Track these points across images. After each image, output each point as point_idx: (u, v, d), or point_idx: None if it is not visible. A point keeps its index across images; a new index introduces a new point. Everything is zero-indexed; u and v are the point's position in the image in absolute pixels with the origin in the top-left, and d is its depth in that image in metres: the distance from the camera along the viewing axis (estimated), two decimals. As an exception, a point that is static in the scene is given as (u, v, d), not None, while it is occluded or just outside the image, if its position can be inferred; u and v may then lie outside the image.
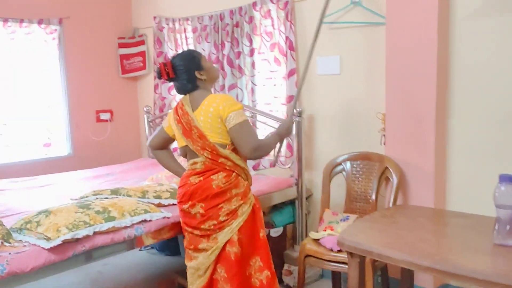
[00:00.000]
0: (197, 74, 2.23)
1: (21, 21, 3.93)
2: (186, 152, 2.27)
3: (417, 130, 2.56)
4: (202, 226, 2.17)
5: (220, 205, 2.14)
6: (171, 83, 2.77)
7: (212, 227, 2.16)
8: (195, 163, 2.21)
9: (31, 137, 4.16)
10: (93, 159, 4.41)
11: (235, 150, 2.19)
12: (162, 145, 2.45)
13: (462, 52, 2.45)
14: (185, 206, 2.21)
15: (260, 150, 2.15)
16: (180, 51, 4.13)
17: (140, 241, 2.34)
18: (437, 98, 2.46)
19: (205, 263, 2.18)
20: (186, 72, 2.22)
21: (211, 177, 2.16)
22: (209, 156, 2.16)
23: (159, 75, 2.26)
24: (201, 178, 2.18)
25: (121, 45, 4.59)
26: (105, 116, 4.53)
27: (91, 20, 4.43)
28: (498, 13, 2.30)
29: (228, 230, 2.15)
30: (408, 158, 2.61)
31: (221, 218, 2.14)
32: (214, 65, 2.43)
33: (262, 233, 2.25)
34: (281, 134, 2.38)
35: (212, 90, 2.37)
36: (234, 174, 2.19)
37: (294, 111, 2.46)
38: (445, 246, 1.87)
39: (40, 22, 4.04)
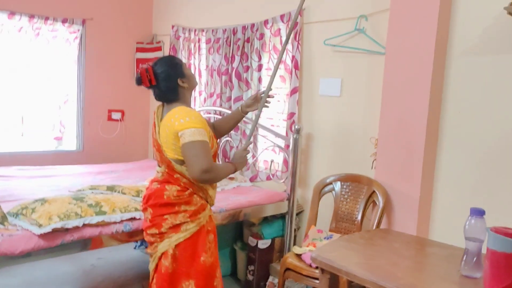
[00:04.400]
0: (179, 81, 2.12)
1: (46, 18, 4.14)
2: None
3: (406, 158, 2.62)
4: (148, 231, 2.15)
5: (165, 216, 2.07)
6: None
7: (154, 235, 2.12)
8: (158, 171, 2.19)
9: (44, 129, 4.34)
10: (101, 155, 4.58)
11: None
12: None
13: (456, 87, 2.52)
14: (141, 209, 2.24)
15: (211, 173, 1.98)
16: (192, 60, 4.29)
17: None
18: (427, 129, 2.52)
19: (151, 268, 2.17)
20: (169, 79, 2.10)
21: (166, 186, 2.09)
22: (166, 170, 2.11)
23: (139, 82, 2.13)
24: (158, 186, 2.13)
25: (138, 50, 4.78)
26: (116, 115, 4.71)
27: (113, 23, 4.63)
28: (492, 52, 2.37)
29: (166, 242, 2.07)
30: (396, 185, 2.67)
31: (163, 229, 2.08)
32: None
33: (204, 258, 2.10)
34: (237, 166, 2.20)
35: (192, 98, 2.25)
36: (189, 191, 2.09)
37: (251, 139, 2.32)
38: (413, 272, 1.93)
39: (64, 21, 4.25)
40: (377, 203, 2.70)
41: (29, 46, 4.13)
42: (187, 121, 1.98)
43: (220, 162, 2.09)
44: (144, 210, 2.19)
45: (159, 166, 2.17)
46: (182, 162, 2.06)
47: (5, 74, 4.08)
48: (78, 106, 4.52)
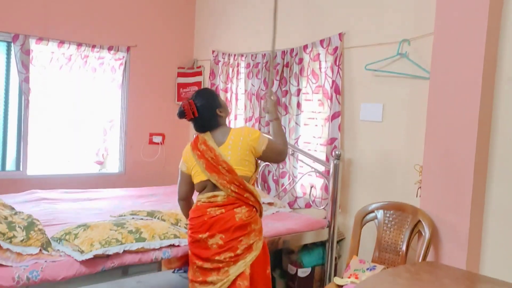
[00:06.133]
0: (217, 111, 2.34)
1: (93, 46, 4.31)
2: (204, 187, 2.32)
3: (454, 187, 2.50)
4: (217, 258, 2.21)
5: (240, 238, 2.22)
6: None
7: (227, 259, 2.20)
8: (215, 196, 2.26)
9: (88, 153, 4.47)
10: (142, 178, 4.65)
11: (254, 185, 2.35)
12: (192, 190, 2.44)
13: (506, 113, 2.39)
14: (202, 236, 2.23)
15: (287, 145, 2.44)
16: (229, 84, 4.33)
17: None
18: (476, 157, 2.40)
19: None
20: (210, 110, 2.32)
21: (234, 210, 2.24)
22: (236, 190, 2.24)
23: (183, 115, 2.30)
24: (223, 210, 2.24)
25: (180, 74, 4.88)
26: (157, 139, 4.79)
27: (156, 49, 4.76)
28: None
29: (242, 263, 2.21)
30: (443, 214, 2.55)
31: (238, 251, 2.21)
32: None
33: (268, 270, 2.36)
34: (276, 116, 2.48)
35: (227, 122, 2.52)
36: (254, 209, 2.32)
37: (273, 97, 2.61)
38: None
39: (110, 48, 4.40)
40: (423, 233, 2.57)
41: (78, 73, 4.29)
42: (252, 132, 2.32)
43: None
44: (210, 237, 2.22)
45: (219, 190, 2.26)
46: (249, 178, 2.30)
47: (55, 100, 4.24)
48: (121, 130, 4.64)
